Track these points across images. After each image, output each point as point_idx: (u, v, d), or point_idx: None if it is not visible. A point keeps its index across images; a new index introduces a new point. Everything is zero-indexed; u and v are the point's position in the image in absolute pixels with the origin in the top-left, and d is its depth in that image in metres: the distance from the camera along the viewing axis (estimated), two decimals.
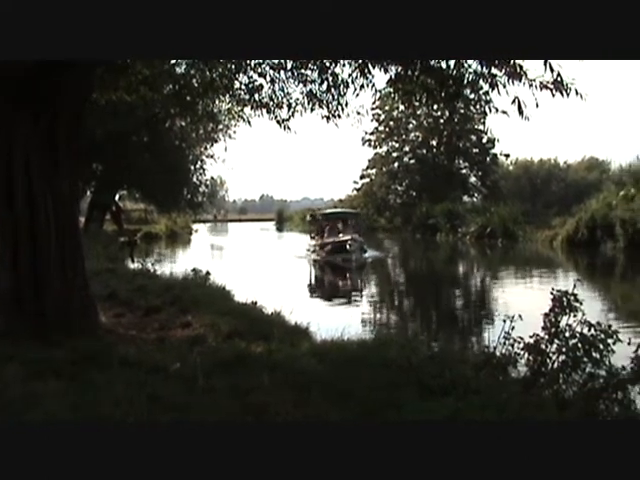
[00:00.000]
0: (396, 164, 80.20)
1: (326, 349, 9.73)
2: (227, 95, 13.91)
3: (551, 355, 8.19)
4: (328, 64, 11.22)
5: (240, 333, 10.57)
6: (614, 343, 7.86)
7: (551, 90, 9.41)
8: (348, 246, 39.35)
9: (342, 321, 14.11)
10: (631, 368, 7.55)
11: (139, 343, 10.02)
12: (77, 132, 10.72)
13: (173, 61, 13.09)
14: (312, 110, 12.66)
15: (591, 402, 7.46)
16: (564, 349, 8.03)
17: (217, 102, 15.67)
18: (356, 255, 39.38)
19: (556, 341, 8.15)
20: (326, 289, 30.15)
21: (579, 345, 7.91)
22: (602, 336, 7.86)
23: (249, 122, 15.99)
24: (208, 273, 19.30)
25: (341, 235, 41.98)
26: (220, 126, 34.29)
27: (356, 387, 7.41)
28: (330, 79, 11.52)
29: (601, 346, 7.81)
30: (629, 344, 7.87)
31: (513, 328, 8.53)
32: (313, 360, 8.86)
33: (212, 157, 43.09)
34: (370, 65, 10.62)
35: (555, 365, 8.13)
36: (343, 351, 9.52)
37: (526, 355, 8.41)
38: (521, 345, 8.45)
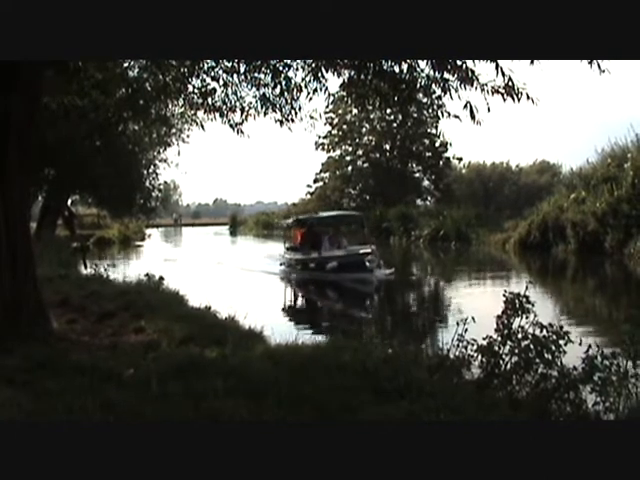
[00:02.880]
0: (350, 168, 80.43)
1: (280, 353, 9.71)
2: (180, 99, 13.85)
3: (504, 357, 8.27)
4: (281, 68, 11.23)
5: (194, 338, 10.52)
6: (565, 344, 7.96)
7: (502, 95, 9.51)
8: (368, 262, 28.71)
9: (296, 325, 14.13)
10: (582, 368, 7.64)
11: (92, 349, 9.92)
12: (28, 135, 10.59)
13: (126, 64, 13.01)
14: (265, 114, 12.65)
15: (543, 402, 7.55)
16: (517, 350, 8.11)
17: (170, 106, 15.60)
18: (376, 274, 28.81)
19: (509, 343, 8.23)
20: None
21: (531, 346, 7.99)
22: (554, 337, 7.96)
23: (202, 126, 15.93)
24: (161, 278, 19.20)
25: (345, 245, 31.92)
26: (173, 130, 34.09)
27: (311, 391, 7.40)
28: (283, 83, 11.52)
29: (553, 347, 7.91)
30: (580, 344, 7.97)
31: (466, 330, 8.60)
32: (268, 364, 8.83)
33: (165, 161, 42.72)
34: (323, 69, 10.65)
35: (508, 366, 8.21)
36: (298, 355, 9.51)
37: (479, 357, 8.48)
38: (474, 347, 8.53)
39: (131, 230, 67.83)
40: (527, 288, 8.85)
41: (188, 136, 36.32)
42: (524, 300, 8.48)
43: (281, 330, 12.67)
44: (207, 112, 13.61)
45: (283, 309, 23.67)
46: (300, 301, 27.91)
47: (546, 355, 7.90)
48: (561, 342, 7.94)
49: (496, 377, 8.26)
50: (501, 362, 8.29)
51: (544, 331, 8.02)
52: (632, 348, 7.60)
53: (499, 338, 8.33)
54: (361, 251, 29.83)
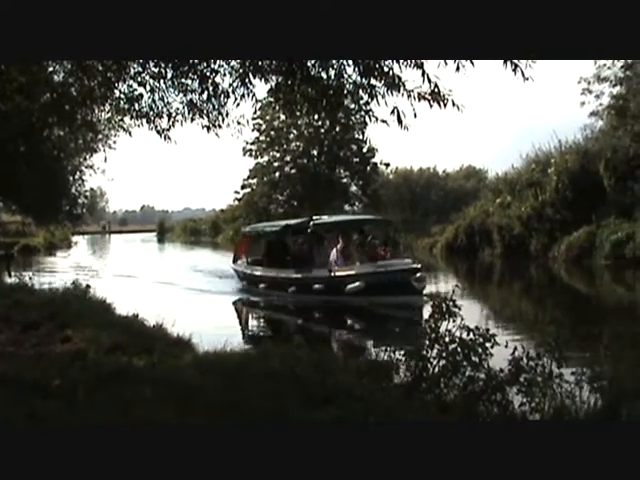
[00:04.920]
0: (277, 174, 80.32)
1: (209, 361, 9.68)
2: (106, 104, 13.68)
3: (432, 360, 8.35)
4: (208, 73, 11.17)
5: (122, 346, 10.42)
6: (492, 346, 8.07)
7: (429, 100, 9.61)
8: (415, 282, 21.77)
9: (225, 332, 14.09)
10: (508, 370, 7.75)
11: (17, 360, 9.75)
12: None
13: (51, 68, 12.81)
14: (192, 120, 12.56)
15: (471, 404, 7.63)
16: (444, 354, 8.20)
17: (96, 111, 15.40)
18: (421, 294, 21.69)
19: (436, 346, 8.31)
20: None
21: (458, 350, 8.08)
22: (480, 340, 8.06)
23: (129, 132, 15.77)
24: (88, 286, 18.99)
25: (363, 259, 24.12)
26: (100, 136, 33.62)
27: (240, 398, 7.38)
28: (210, 89, 11.45)
29: (480, 350, 8.01)
30: (506, 347, 8.09)
31: (397, 334, 8.67)
32: (196, 372, 8.80)
33: (92, 167, 42.15)
34: (251, 75, 10.63)
35: (436, 370, 8.29)
36: (226, 363, 9.49)
37: (408, 361, 8.55)
38: (403, 351, 8.60)
39: (57, 237, 66.90)
40: (454, 292, 8.95)
41: (115, 142, 35.86)
42: (451, 304, 8.58)
43: (209, 338, 12.60)
44: (134, 118, 13.46)
45: None
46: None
47: (473, 358, 7.99)
48: (488, 345, 8.05)
49: (424, 380, 8.34)
50: (429, 366, 8.37)
51: (471, 334, 8.12)
52: (556, 349, 7.74)
53: (427, 342, 8.41)
54: (404, 266, 22.62)
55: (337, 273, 23.25)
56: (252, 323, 22.50)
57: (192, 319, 16.73)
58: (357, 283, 22.18)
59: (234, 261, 30.13)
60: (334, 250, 24.48)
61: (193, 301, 24.61)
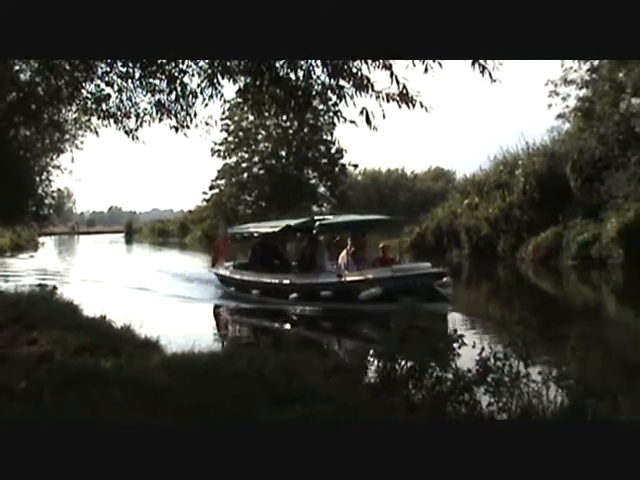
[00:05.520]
0: (245, 174, 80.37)
1: (177, 362, 9.65)
2: (74, 104, 13.60)
3: (400, 361, 8.37)
4: (177, 74, 11.13)
5: (89, 348, 10.35)
6: (460, 347, 8.11)
7: (397, 102, 9.64)
8: (442, 287, 19.80)
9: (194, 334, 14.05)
10: (476, 370, 7.79)
11: None
12: None
13: (17, 67, 12.72)
14: (160, 120, 12.50)
15: (439, 404, 7.66)
16: (412, 355, 8.22)
17: (63, 111, 15.31)
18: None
19: (405, 347, 8.33)
20: None
21: (426, 351, 8.12)
22: (448, 340, 8.10)
23: (96, 132, 15.67)
24: (55, 288, 18.86)
25: (369, 262, 22.59)
26: (67, 136, 33.34)
27: (208, 399, 7.36)
28: (179, 89, 11.41)
29: (447, 350, 8.05)
30: (474, 347, 8.13)
31: (365, 335, 8.69)
32: (164, 374, 8.76)
33: (59, 168, 41.80)
34: (219, 75, 10.61)
35: (404, 370, 8.31)
36: (194, 364, 9.46)
37: (376, 362, 8.57)
38: (371, 352, 8.63)
39: (23, 238, 66.30)
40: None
41: (82, 142, 35.60)
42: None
43: (177, 339, 12.56)
44: (101, 118, 13.37)
45: None
46: None
47: (441, 358, 8.03)
48: (455, 345, 8.09)
49: (393, 381, 8.36)
50: (397, 366, 8.39)
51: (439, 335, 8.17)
52: (523, 349, 7.79)
53: (396, 343, 8.43)
54: (426, 270, 20.61)
55: (348, 278, 21.07)
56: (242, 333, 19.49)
57: (174, 328, 16.11)
58: (373, 289, 20.01)
59: (214, 265, 28.14)
60: (343, 253, 22.61)
61: (173, 309, 22.80)
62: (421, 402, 7.87)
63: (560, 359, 9.62)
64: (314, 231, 23.13)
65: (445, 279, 19.99)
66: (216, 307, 24.16)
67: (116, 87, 12.38)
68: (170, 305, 23.56)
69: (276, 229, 24.97)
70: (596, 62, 40.18)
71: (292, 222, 24.98)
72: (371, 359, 8.63)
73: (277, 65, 9.96)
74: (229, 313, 22.96)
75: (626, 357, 13.35)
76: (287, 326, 19.36)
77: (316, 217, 24.78)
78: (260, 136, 79.82)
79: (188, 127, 12.60)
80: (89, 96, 12.82)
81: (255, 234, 26.63)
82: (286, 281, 22.68)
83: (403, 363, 8.34)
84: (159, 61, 10.40)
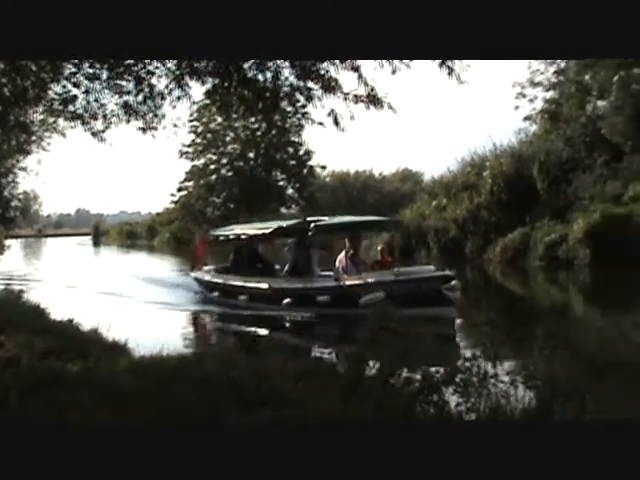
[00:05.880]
0: (213, 176, 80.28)
1: (145, 365, 9.60)
2: (40, 105, 13.49)
3: (369, 363, 8.40)
4: (144, 75, 11.09)
5: (56, 352, 10.27)
6: (429, 348, 8.14)
7: (365, 103, 9.68)
8: (450, 291, 18.64)
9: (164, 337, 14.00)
10: (445, 371, 7.82)
11: None
12: None
13: None
14: (128, 122, 12.44)
15: (408, 405, 7.68)
16: (381, 356, 8.24)
17: (30, 113, 15.17)
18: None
19: (374, 349, 8.36)
20: None
21: (396, 352, 8.14)
22: (417, 342, 8.13)
23: (63, 134, 15.61)
24: (21, 291, 18.74)
25: (368, 265, 21.97)
26: (33, 138, 33.17)
27: (176, 403, 7.33)
28: (146, 90, 11.37)
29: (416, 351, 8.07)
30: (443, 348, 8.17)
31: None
32: (132, 377, 8.71)
33: (25, 170, 41.57)
34: (187, 77, 10.58)
35: (374, 372, 8.33)
36: (163, 367, 9.42)
37: (346, 364, 8.60)
38: (341, 355, 8.65)
39: None
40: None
41: (49, 144, 35.45)
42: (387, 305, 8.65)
43: (145, 342, 12.50)
44: (68, 119, 13.29)
45: None
46: None
47: (410, 360, 8.06)
48: (424, 346, 8.12)
49: (362, 382, 8.37)
50: (367, 368, 8.41)
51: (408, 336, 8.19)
52: (491, 350, 7.84)
53: (365, 345, 8.45)
54: (433, 273, 19.68)
55: (347, 282, 20.00)
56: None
57: (144, 332, 15.75)
58: (375, 294, 18.47)
59: (193, 268, 26.93)
60: (340, 256, 21.31)
61: (143, 313, 21.93)
62: (390, 403, 7.89)
63: (528, 359, 9.69)
64: (309, 233, 21.33)
65: (453, 282, 18.78)
66: (196, 313, 22.75)
67: (83, 88, 12.30)
68: (141, 309, 22.71)
69: (266, 231, 23.50)
70: (562, 64, 40.58)
71: (284, 223, 23.78)
72: (341, 361, 8.62)
73: (245, 67, 9.96)
74: (213, 320, 21.60)
75: (593, 357, 13.45)
76: (265, 331, 18.56)
77: (309, 218, 23.08)
78: (228, 138, 79.78)
79: (156, 129, 12.56)
80: (56, 97, 12.73)
81: (242, 236, 24.85)
82: (278, 285, 21.53)
83: (372, 364, 8.35)
84: (126, 62, 10.36)
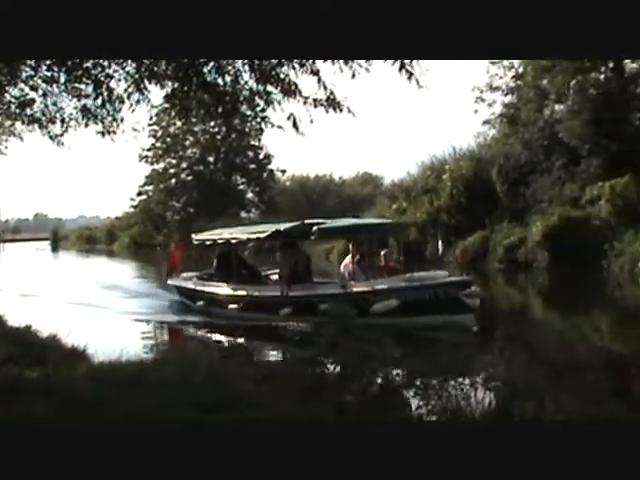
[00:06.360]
0: (173, 181, 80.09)
1: (104, 371, 9.53)
2: None
3: (330, 367, 8.41)
4: (103, 78, 11.02)
5: (14, 358, 10.16)
6: (389, 354, 8.17)
7: (325, 107, 9.69)
8: (469, 297, 17.61)
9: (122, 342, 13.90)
10: (405, 374, 7.86)
11: None
12: None
13: None
14: (87, 125, 12.34)
15: (368, 407, 7.70)
16: (342, 361, 8.26)
17: None
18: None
19: (335, 353, 8.37)
20: None
21: (356, 356, 8.16)
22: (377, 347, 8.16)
23: (21, 137, 15.44)
24: None
25: (378, 271, 20.58)
26: None
27: (135, 408, 7.29)
28: (105, 94, 11.28)
29: (377, 356, 8.10)
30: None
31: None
32: (92, 383, 8.64)
33: None
34: (146, 80, 10.53)
35: (334, 375, 8.35)
36: (122, 373, 9.35)
37: (308, 368, 8.59)
38: (300, 358, 8.64)
39: None
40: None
41: (6, 148, 34.97)
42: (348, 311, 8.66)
43: (105, 348, 12.40)
44: (26, 123, 13.18)
45: None
46: None
47: (370, 364, 8.08)
48: (384, 352, 8.15)
49: (323, 385, 8.38)
50: (326, 371, 8.42)
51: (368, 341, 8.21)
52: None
53: (325, 349, 8.46)
54: (450, 279, 18.45)
55: (355, 289, 18.65)
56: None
57: (104, 339, 15.39)
58: (388, 301, 17.71)
59: (169, 275, 24.99)
60: (346, 261, 20.27)
61: (115, 322, 20.69)
62: (349, 405, 7.90)
63: (488, 361, 9.75)
64: (312, 237, 20.17)
65: (473, 288, 17.86)
66: (174, 324, 21.18)
67: (41, 91, 12.20)
68: (102, 316, 21.68)
69: (262, 235, 21.47)
70: (520, 69, 40.92)
71: (282, 226, 21.32)
72: (302, 365, 8.60)
73: (204, 70, 9.93)
74: (199, 331, 20.13)
75: (552, 359, 13.56)
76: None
77: (308, 221, 21.64)
78: (188, 142, 79.65)
79: (115, 133, 12.46)
80: (13, 100, 12.62)
81: (232, 241, 22.39)
82: (274, 293, 19.77)
83: (332, 368, 8.36)
84: (85, 65, 10.27)
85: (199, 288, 22.59)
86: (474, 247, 36.71)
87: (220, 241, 22.93)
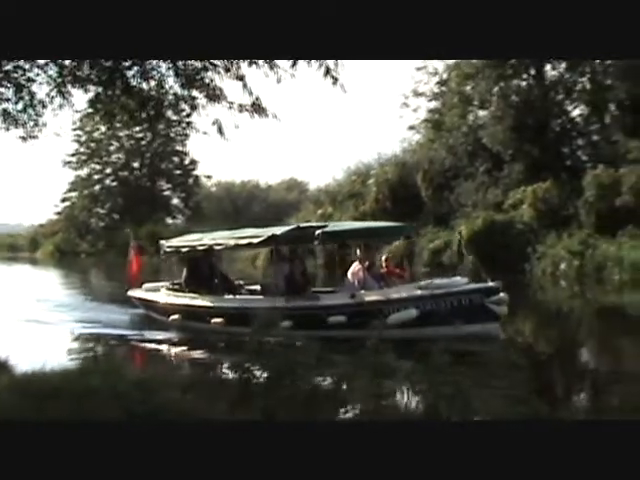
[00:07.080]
0: (97, 186, 79.27)
1: (27, 382, 9.35)
2: None
3: (256, 373, 8.39)
4: (24, 82, 10.85)
5: None
6: (317, 359, 8.18)
7: (249, 112, 9.70)
8: (497, 304, 16.22)
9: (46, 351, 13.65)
10: (333, 380, 7.88)
11: None
12: None
13: None
14: (7, 130, 12.15)
15: (295, 413, 7.70)
16: (268, 366, 8.25)
17: None
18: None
19: (261, 359, 8.36)
20: None
21: (282, 362, 8.16)
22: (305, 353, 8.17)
23: None
24: None
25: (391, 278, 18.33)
26: None
27: (60, 419, 7.17)
28: (27, 98, 11.11)
29: (305, 362, 8.11)
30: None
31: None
32: (14, 395, 8.47)
33: None
34: (69, 85, 10.40)
35: (261, 381, 8.33)
36: (46, 383, 9.19)
37: (232, 374, 8.56)
38: (226, 365, 8.60)
39: None
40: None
41: None
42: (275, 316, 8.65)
43: (28, 357, 12.17)
44: None
45: None
46: None
47: (298, 370, 8.08)
48: (310, 358, 8.16)
49: (250, 392, 8.36)
50: (253, 377, 8.40)
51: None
52: (377, 356, 7.93)
53: (252, 355, 8.44)
54: (476, 286, 16.81)
55: (367, 299, 16.77)
56: None
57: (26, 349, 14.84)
58: (406, 311, 16.13)
59: (131, 286, 22.14)
60: (355, 268, 17.87)
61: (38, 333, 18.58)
62: (276, 411, 7.90)
63: (414, 365, 9.82)
64: (316, 241, 18.03)
65: (501, 295, 16.32)
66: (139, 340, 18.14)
67: None
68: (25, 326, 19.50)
69: (254, 240, 19.11)
70: (445, 75, 41.52)
71: (278, 230, 19.21)
72: (229, 371, 8.57)
73: (128, 74, 9.86)
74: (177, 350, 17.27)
75: (475, 360, 13.69)
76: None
77: (303, 225, 20.66)
78: (112, 147, 78.93)
79: (37, 137, 12.27)
80: None
81: (216, 246, 19.73)
82: (267, 305, 16.84)
83: (260, 374, 8.34)
84: (5, 69, 10.11)
85: (172, 301, 19.89)
86: (400, 251, 36.99)
87: (200, 247, 20.09)
